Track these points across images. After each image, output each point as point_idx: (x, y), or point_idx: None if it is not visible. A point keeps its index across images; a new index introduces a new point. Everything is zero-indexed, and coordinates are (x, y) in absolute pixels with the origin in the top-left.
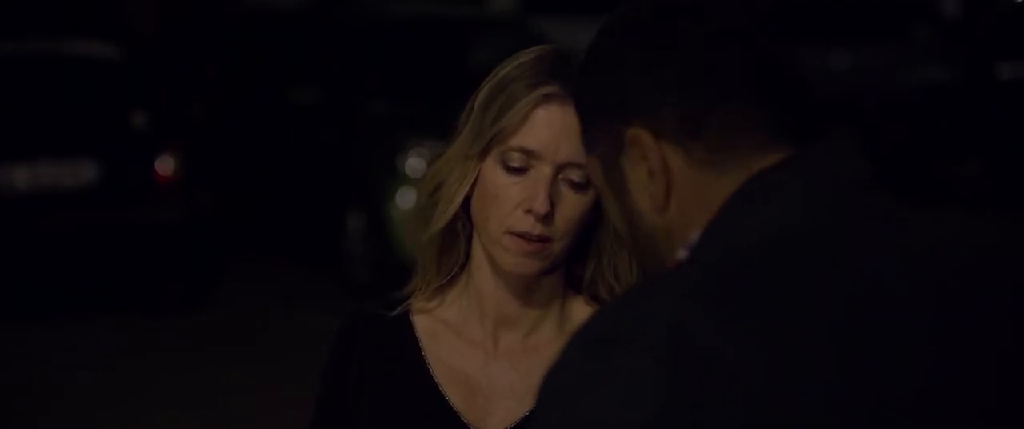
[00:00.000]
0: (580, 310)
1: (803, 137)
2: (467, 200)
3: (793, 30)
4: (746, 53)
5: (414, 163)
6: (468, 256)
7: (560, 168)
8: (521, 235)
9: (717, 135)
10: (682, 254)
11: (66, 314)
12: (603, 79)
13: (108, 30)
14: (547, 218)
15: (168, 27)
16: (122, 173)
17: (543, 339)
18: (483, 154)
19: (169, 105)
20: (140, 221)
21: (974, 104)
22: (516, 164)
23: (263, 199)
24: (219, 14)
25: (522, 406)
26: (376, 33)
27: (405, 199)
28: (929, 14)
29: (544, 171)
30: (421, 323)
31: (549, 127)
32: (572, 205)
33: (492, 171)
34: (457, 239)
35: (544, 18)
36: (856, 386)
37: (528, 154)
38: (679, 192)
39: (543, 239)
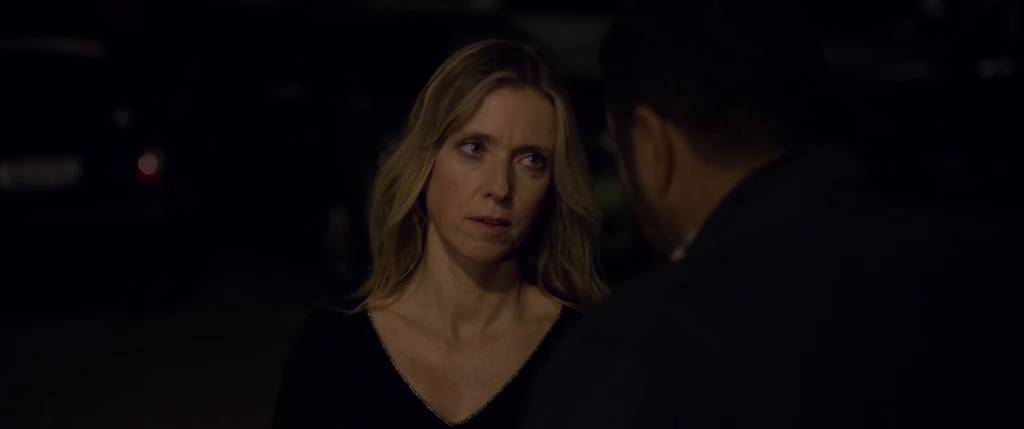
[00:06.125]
0: (536, 299)
1: (811, 136)
2: (422, 194)
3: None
4: (770, 49)
5: None
6: (424, 251)
7: (515, 152)
8: (481, 219)
9: (725, 132)
10: (679, 254)
11: (49, 313)
12: (623, 52)
13: (90, 28)
14: (506, 201)
15: (150, 24)
16: (105, 171)
17: (503, 326)
18: (438, 144)
19: (152, 103)
20: (123, 219)
21: (956, 101)
22: (472, 151)
23: (246, 196)
24: (201, 11)
25: (486, 393)
26: (358, 30)
27: None
28: (912, 11)
29: (500, 155)
30: (379, 320)
31: (503, 112)
32: (528, 188)
33: (448, 160)
34: (413, 233)
35: (526, 16)
36: (840, 384)
37: (484, 139)
38: (681, 178)
39: (503, 222)
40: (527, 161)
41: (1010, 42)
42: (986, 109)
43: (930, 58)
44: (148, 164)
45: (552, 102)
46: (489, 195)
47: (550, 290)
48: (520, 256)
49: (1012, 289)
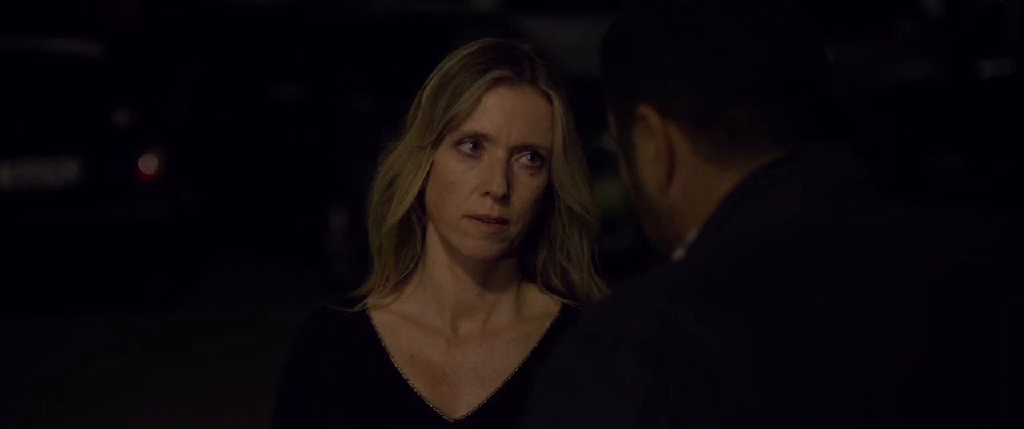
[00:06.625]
0: (535, 296)
1: (811, 136)
2: (421, 193)
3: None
4: (770, 49)
5: None
6: (423, 250)
7: (513, 151)
8: (480, 218)
9: (725, 132)
10: (680, 254)
11: (49, 313)
12: (623, 52)
13: (90, 28)
14: (504, 199)
15: (150, 24)
16: (105, 171)
17: (502, 323)
18: (436, 143)
19: (152, 103)
20: (123, 219)
21: (956, 101)
22: (470, 149)
23: (246, 196)
24: (201, 11)
25: (486, 389)
26: (358, 30)
27: None
28: (912, 11)
29: (498, 154)
30: (379, 318)
31: (501, 110)
32: (526, 186)
33: (446, 159)
34: (412, 233)
35: (526, 16)
36: (840, 384)
37: (482, 138)
38: (682, 177)
39: (501, 221)
40: (525, 160)
41: (1010, 42)
42: (986, 109)
43: (930, 58)
44: (148, 164)
45: (550, 101)
46: (487, 194)
47: (549, 288)
48: (519, 254)
49: (1012, 289)
